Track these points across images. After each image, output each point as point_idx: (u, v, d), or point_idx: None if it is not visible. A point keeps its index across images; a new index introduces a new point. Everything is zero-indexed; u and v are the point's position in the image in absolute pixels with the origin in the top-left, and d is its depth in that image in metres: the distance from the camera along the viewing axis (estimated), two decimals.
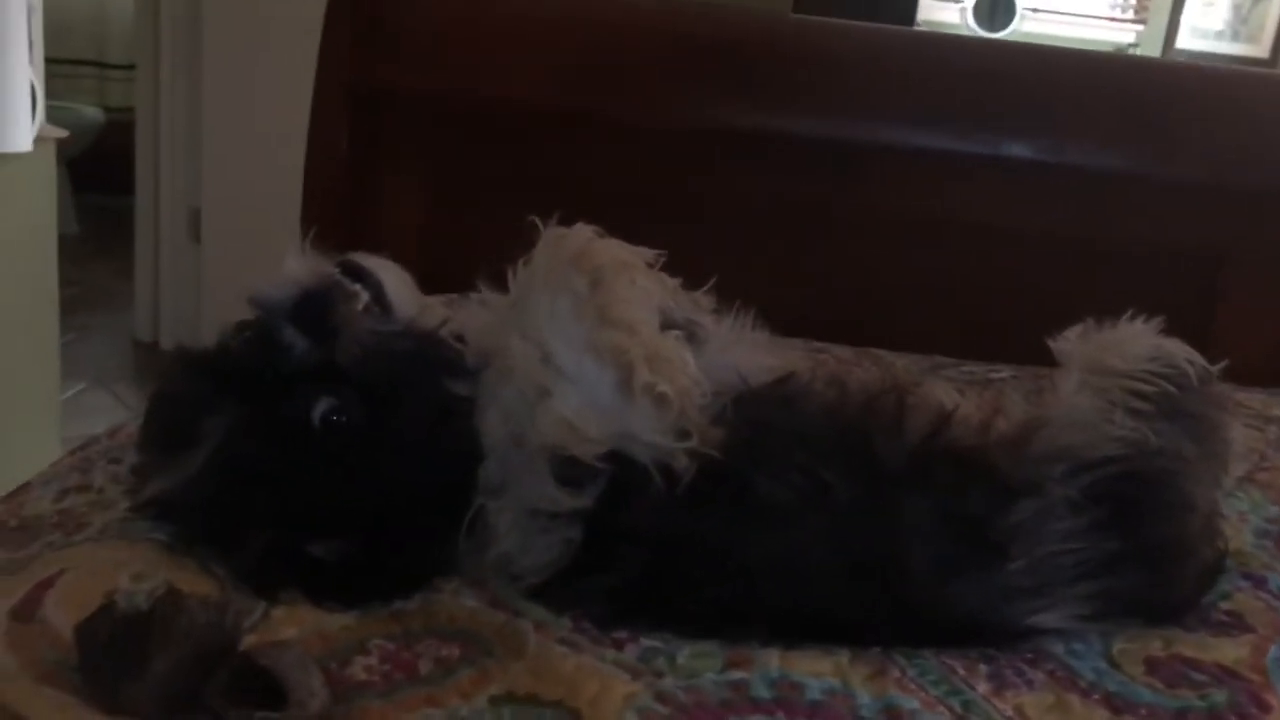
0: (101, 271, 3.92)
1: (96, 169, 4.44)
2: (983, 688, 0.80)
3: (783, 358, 0.99)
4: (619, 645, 0.79)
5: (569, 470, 0.81)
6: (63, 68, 4.69)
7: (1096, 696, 0.79)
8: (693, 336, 0.90)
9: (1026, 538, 0.83)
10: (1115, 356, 0.89)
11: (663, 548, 0.82)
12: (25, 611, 0.71)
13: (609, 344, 0.82)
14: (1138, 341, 0.90)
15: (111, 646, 0.65)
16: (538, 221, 0.89)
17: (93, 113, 4.61)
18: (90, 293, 3.71)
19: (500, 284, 0.91)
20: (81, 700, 0.64)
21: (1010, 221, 1.62)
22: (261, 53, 3.16)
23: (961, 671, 0.81)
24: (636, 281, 0.87)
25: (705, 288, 0.95)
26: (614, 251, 0.88)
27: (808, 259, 1.59)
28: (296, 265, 0.85)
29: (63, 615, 0.70)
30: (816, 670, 0.79)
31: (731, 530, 0.82)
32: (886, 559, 0.82)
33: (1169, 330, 0.92)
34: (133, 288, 3.52)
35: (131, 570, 0.77)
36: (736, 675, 0.77)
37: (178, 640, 0.65)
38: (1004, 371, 1.48)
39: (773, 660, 0.79)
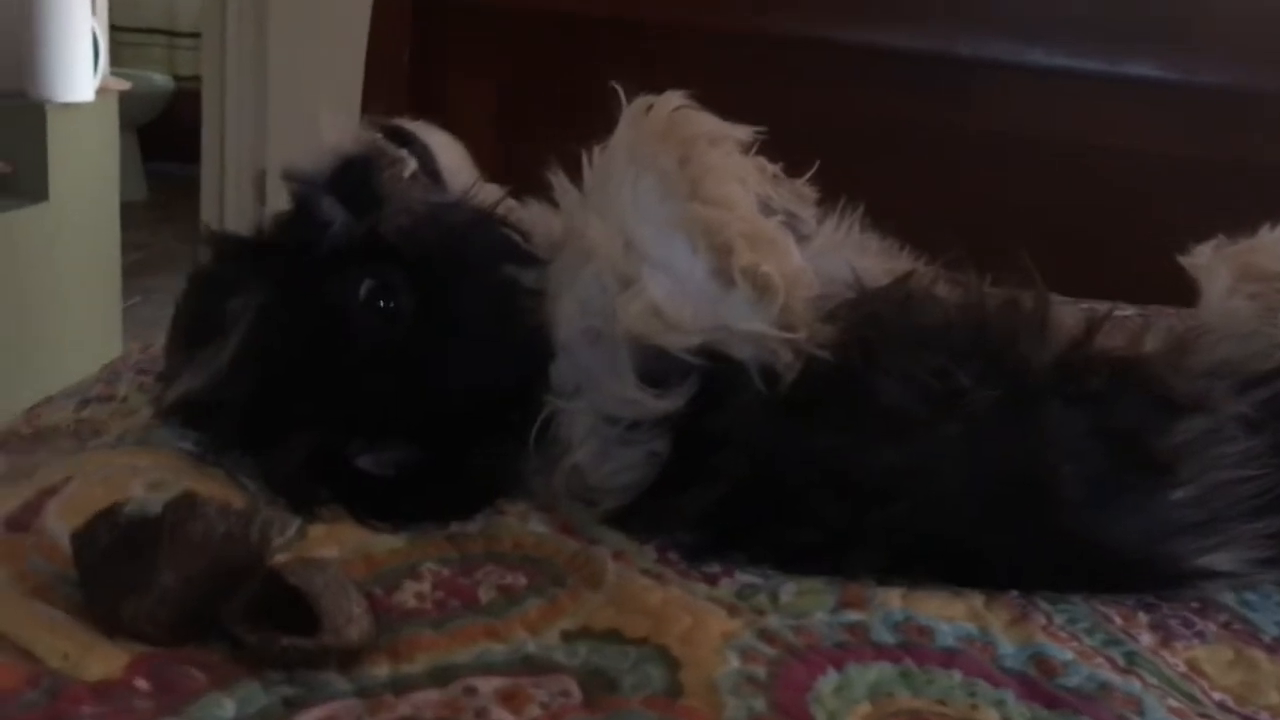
0: (168, 237, 3.89)
1: (165, 137, 4.42)
2: (1146, 639, 0.66)
3: (900, 261, 0.86)
4: (712, 580, 0.67)
5: (655, 366, 0.69)
6: (133, 36, 4.69)
7: None
8: (794, 231, 0.78)
9: (1194, 460, 0.70)
10: (1266, 258, 0.77)
11: (763, 462, 0.69)
12: (22, 520, 0.61)
13: (703, 221, 0.70)
14: None
15: (113, 556, 0.55)
16: (619, 90, 0.77)
17: (162, 80, 4.60)
18: (156, 257, 3.68)
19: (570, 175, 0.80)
20: (77, 618, 0.53)
21: (1131, 144, 1.47)
22: (327, 20, 3.08)
23: (1118, 620, 0.68)
24: (732, 157, 0.75)
25: (807, 175, 0.82)
26: (708, 124, 0.76)
27: (907, 185, 1.44)
28: (334, 133, 0.74)
29: (63, 525, 0.59)
30: (947, 614, 0.66)
31: (845, 441, 0.69)
32: (1031, 478, 0.69)
33: None
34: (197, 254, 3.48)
35: (149, 478, 0.66)
36: (852, 616, 0.65)
37: (191, 551, 0.55)
38: (1128, 310, 1.33)
39: (893, 600, 0.66)
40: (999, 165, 1.45)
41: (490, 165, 1.46)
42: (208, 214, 3.46)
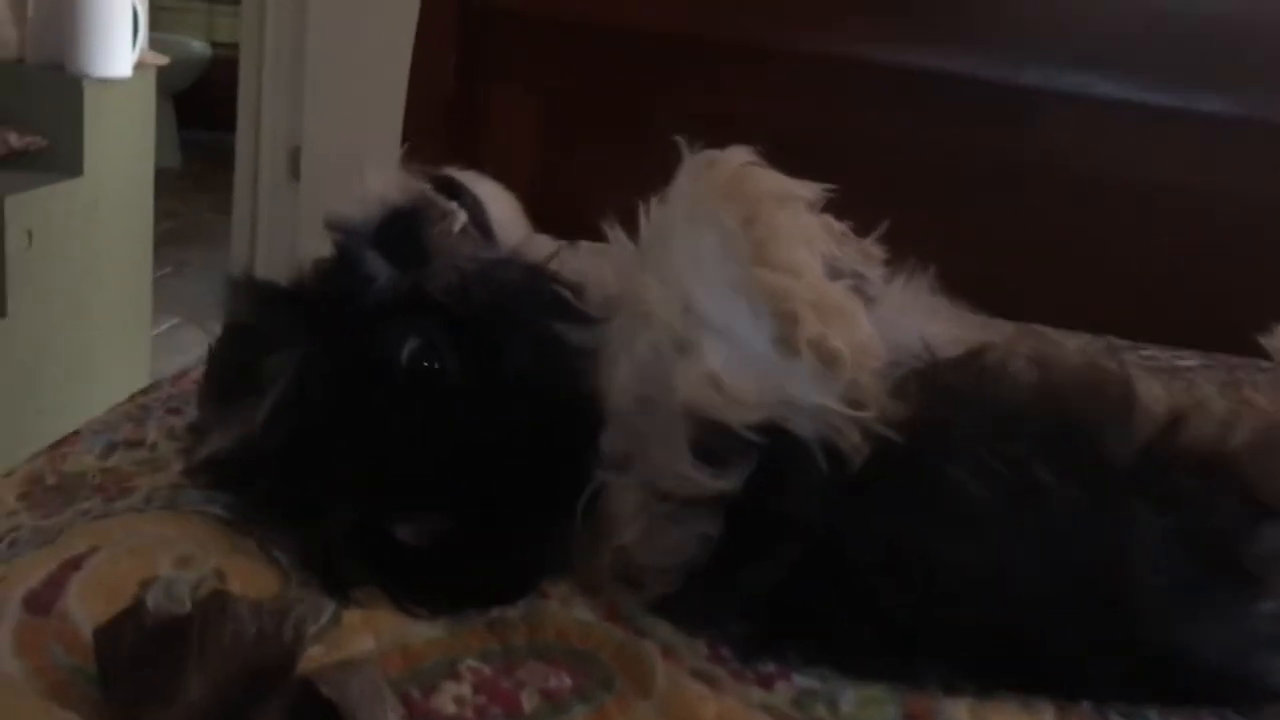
0: (201, 206, 3.86)
1: (201, 104, 4.38)
2: None
3: (970, 328, 0.82)
4: (767, 683, 0.63)
5: (712, 441, 0.65)
6: (170, 1, 4.64)
7: None
8: (860, 293, 0.73)
9: None
10: None
11: (824, 550, 0.65)
12: (44, 600, 0.57)
13: (768, 287, 0.66)
14: None
15: (138, 658, 0.51)
16: (681, 144, 0.72)
17: (199, 47, 4.56)
18: (188, 227, 3.66)
19: (626, 225, 0.75)
20: None
21: (1199, 184, 1.41)
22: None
23: None
24: (800, 217, 0.70)
25: (875, 234, 0.78)
26: (774, 182, 0.72)
27: (964, 218, 1.39)
28: (381, 182, 0.70)
29: (86, 608, 0.56)
30: None
31: (915, 531, 0.65)
32: (1110, 582, 0.65)
33: None
34: (230, 224, 3.45)
35: (176, 552, 0.62)
36: None
37: (221, 655, 0.51)
38: (1190, 359, 1.28)
39: (960, 713, 0.62)
40: (1064, 201, 1.39)
41: (533, 177, 1.42)
42: (241, 184, 3.44)
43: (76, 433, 0.81)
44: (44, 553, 0.62)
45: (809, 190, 0.73)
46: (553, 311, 0.72)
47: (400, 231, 0.68)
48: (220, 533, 0.65)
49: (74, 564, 0.60)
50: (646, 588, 0.67)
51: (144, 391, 0.89)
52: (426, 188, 0.72)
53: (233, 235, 3.44)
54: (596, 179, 1.44)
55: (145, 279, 2.39)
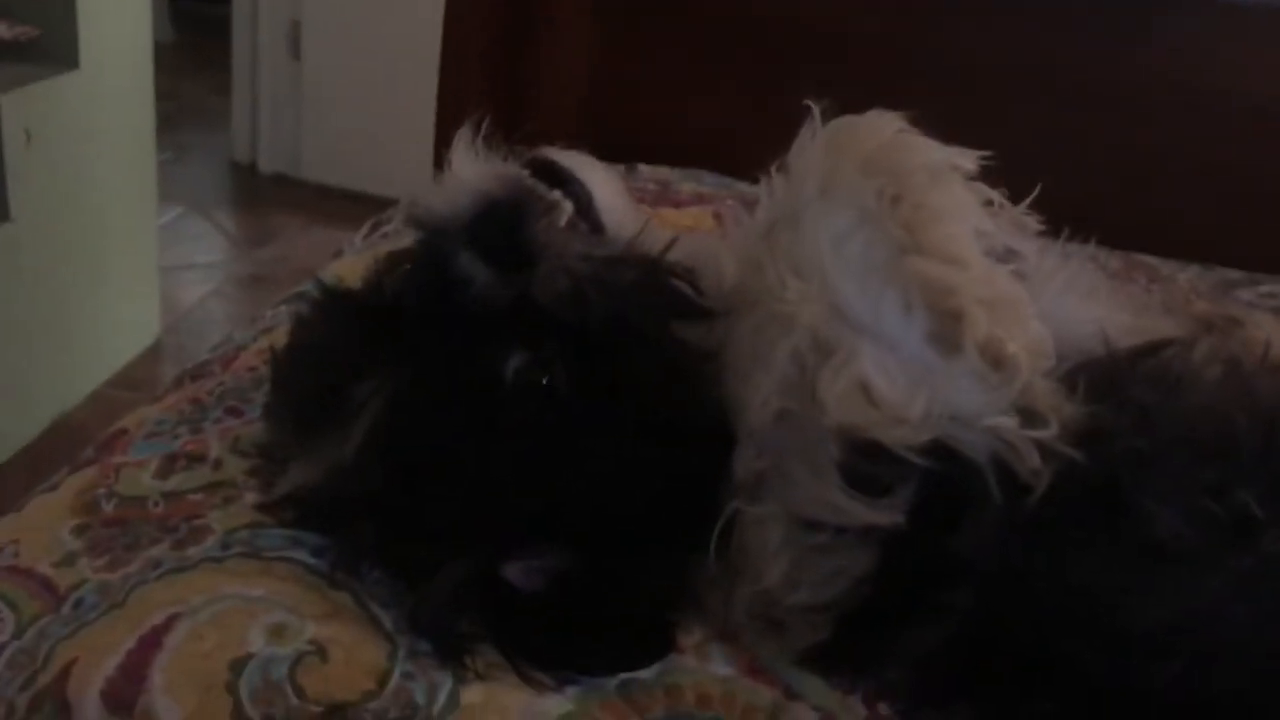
0: (199, 86, 3.67)
1: None
2: None
3: (1136, 311, 0.72)
4: None
5: (867, 465, 0.56)
6: None
7: None
8: (1018, 275, 0.64)
9: None
10: None
11: (999, 596, 0.57)
12: (125, 693, 0.50)
13: (927, 279, 0.57)
14: None
15: None
16: (813, 107, 0.62)
17: None
18: (186, 109, 3.48)
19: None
20: None
21: None
22: None
23: None
24: (956, 194, 0.61)
25: (1028, 200, 0.67)
26: (927, 153, 0.62)
27: (1070, 137, 1.26)
28: (470, 168, 0.59)
29: (174, 706, 0.48)
30: None
31: (1107, 578, 0.56)
32: None
33: None
34: (230, 106, 3.29)
35: (268, 620, 0.54)
36: None
37: None
38: None
39: None
40: (1176, 120, 1.27)
41: (586, 95, 1.30)
42: (239, 65, 3.26)
43: (125, 431, 0.73)
44: (116, 621, 0.54)
45: (967, 160, 0.63)
46: (675, 312, 0.62)
47: (499, 227, 0.58)
48: (312, 589, 0.57)
49: (153, 641, 0.52)
50: (791, 634, 0.60)
51: (193, 373, 0.80)
52: (525, 174, 0.61)
53: (233, 118, 3.28)
54: (654, 90, 1.32)
55: (150, 170, 2.27)
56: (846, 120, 0.64)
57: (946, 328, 0.58)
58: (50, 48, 1.97)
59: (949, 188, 0.62)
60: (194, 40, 4.07)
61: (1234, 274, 1.18)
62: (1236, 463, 0.58)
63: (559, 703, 0.55)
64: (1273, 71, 1.22)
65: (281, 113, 3.19)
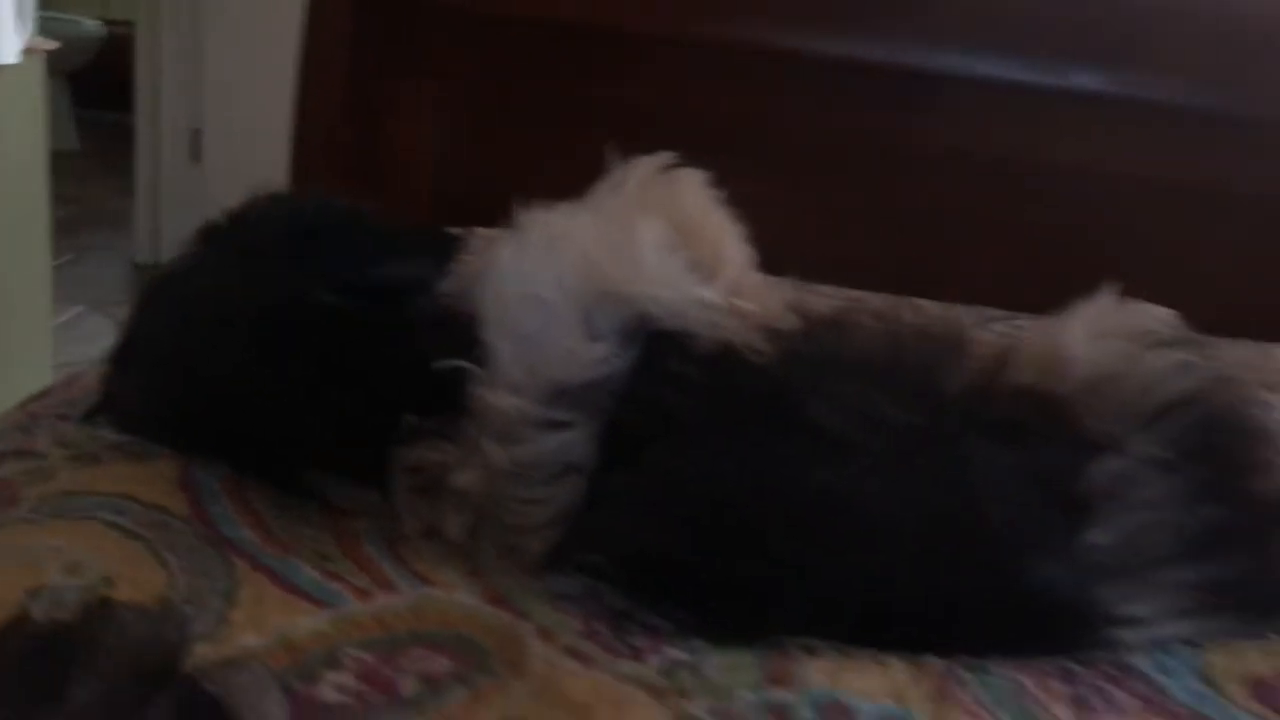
0: (102, 190, 3.79)
1: (99, 84, 4.28)
2: (1062, 712, 0.67)
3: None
4: (638, 655, 0.67)
5: (603, 322, 0.73)
6: None
7: None
8: None
9: (1110, 503, 0.70)
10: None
11: (691, 477, 0.70)
12: None
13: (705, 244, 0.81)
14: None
15: (25, 667, 0.54)
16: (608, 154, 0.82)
17: (93, 25, 4.44)
18: (90, 212, 3.58)
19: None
20: None
21: (1079, 161, 1.47)
22: None
23: (1036, 691, 0.69)
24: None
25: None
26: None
27: (855, 198, 1.43)
28: None
29: None
30: (868, 689, 0.66)
31: (777, 458, 0.70)
32: (959, 514, 0.69)
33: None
34: (133, 208, 3.39)
35: (66, 559, 0.65)
36: (777, 695, 0.65)
37: (106, 660, 0.54)
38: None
39: (819, 676, 0.67)
40: (951, 180, 1.44)
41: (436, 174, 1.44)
42: (143, 168, 3.37)
43: None
44: None
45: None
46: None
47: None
48: (110, 539, 0.68)
49: None
50: (522, 550, 0.72)
51: (35, 398, 0.90)
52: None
53: (136, 219, 3.39)
54: (510, 175, 1.47)
55: (45, 269, 2.34)
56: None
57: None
58: None
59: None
60: (100, 148, 4.18)
61: (996, 312, 1.34)
62: (875, 376, 0.73)
63: (313, 621, 0.65)
64: (1017, 135, 1.41)
65: (183, 214, 3.29)
